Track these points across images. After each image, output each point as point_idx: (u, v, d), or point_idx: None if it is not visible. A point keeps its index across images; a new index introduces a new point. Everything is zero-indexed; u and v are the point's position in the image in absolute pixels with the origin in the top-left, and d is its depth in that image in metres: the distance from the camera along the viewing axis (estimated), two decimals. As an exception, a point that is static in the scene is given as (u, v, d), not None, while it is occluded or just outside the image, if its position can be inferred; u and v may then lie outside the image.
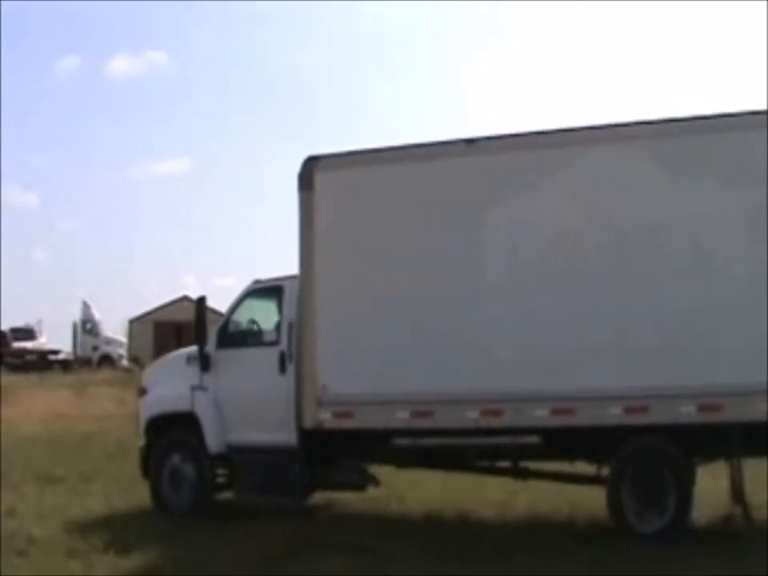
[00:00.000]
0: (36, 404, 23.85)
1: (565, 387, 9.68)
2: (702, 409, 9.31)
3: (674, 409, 9.38)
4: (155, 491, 11.38)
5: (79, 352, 43.07)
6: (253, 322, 11.44)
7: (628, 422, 9.52)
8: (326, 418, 10.49)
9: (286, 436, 10.72)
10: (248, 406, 11.03)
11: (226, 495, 11.51)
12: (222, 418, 11.14)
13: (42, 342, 42.51)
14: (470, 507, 10.82)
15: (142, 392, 11.94)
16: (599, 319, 9.65)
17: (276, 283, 11.19)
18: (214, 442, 11.10)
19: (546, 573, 8.29)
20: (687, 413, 9.35)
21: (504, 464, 10.67)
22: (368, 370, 10.38)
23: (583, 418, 9.63)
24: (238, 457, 11.07)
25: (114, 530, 9.96)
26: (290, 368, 10.79)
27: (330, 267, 10.58)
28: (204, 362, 11.25)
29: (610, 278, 9.68)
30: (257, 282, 11.45)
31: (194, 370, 11.31)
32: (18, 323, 43.73)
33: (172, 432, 11.42)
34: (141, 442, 11.68)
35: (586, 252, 9.81)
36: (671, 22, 68.87)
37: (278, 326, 11.08)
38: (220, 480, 11.40)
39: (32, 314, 46.94)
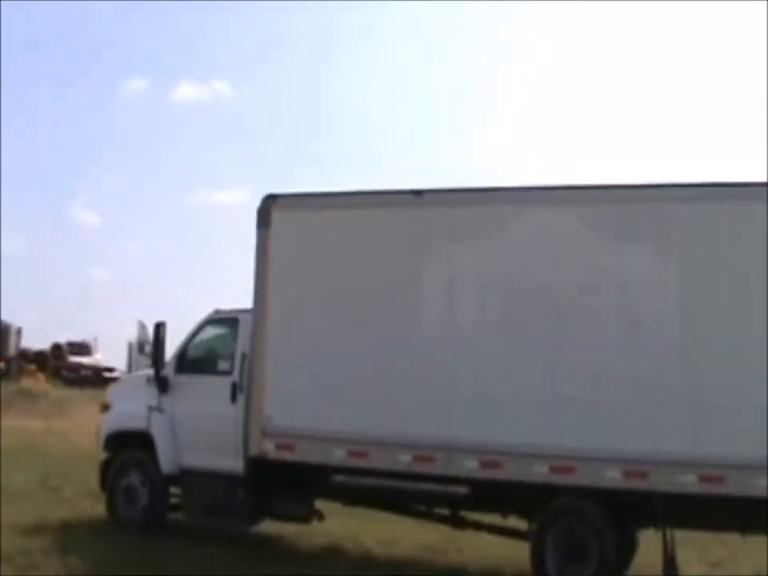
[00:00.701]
0: (89, 419, 24.25)
1: (494, 440, 9.79)
2: (627, 475, 9.35)
3: (600, 472, 9.43)
4: (110, 505, 11.78)
5: (133, 372, 43.60)
6: (211, 350, 11.74)
7: (553, 481, 9.61)
8: (270, 448, 10.76)
9: (233, 463, 10.99)
10: (200, 431, 11.37)
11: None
12: (176, 440, 11.49)
13: (98, 358, 42.85)
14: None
15: (105, 408, 12.34)
16: (530, 375, 9.76)
17: (233, 315, 11.48)
18: (166, 462, 11.45)
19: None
20: (612, 477, 9.40)
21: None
22: (310, 406, 10.63)
23: (510, 472, 9.74)
24: (188, 479, 11.42)
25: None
26: (241, 398, 11.07)
27: (281, 303, 10.81)
28: (161, 385, 11.60)
29: (542, 336, 9.77)
30: (217, 311, 11.77)
31: (153, 391, 11.68)
32: (75, 339, 44.57)
33: (129, 450, 11.80)
34: (100, 456, 12.09)
35: (520, 307, 9.91)
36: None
37: (231, 357, 11.38)
38: (174, 501, 11.74)
39: (88, 330, 47.74)
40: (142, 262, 69.13)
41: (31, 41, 64.89)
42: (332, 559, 10.46)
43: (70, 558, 9.96)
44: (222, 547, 10.60)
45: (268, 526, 11.74)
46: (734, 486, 8.95)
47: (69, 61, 70.66)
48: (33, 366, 40.14)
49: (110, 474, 11.84)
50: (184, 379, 11.62)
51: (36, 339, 46.62)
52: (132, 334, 43.69)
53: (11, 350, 45.24)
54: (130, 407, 11.87)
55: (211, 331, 11.79)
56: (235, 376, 11.18)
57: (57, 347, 43.45)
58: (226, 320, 11.62)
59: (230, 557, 10.19)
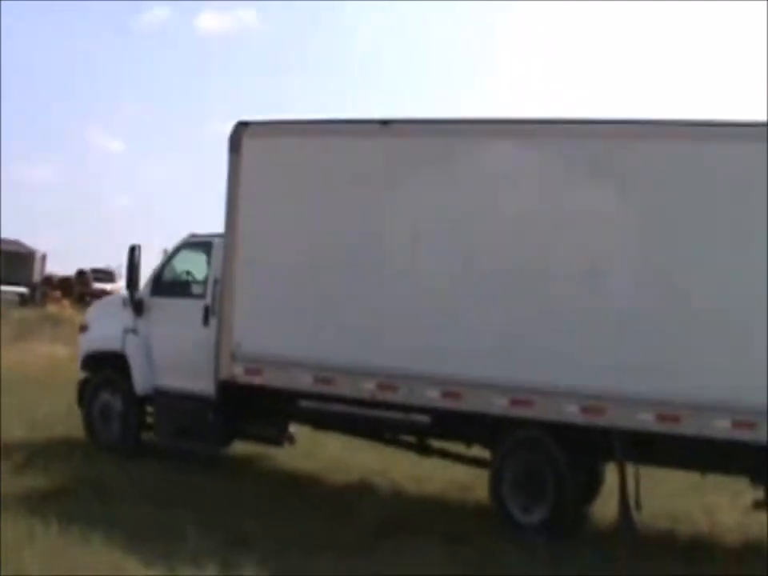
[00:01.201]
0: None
1: (455, 371, 9.82)
2: (585, 411, 9.35)
3: (558, 407, 9.43)
4: (87, 424, 11.99)
5: None
6: (185, 273, 11.79)
7: (512, 414, 9.64)
8: (239, 372, 10.86)
9: (205, 385, 11.12)
10: (174, 353, 11.50)
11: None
12: (150, 361, 11.63)
13: (121, 285, 43.33)
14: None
15: (83, 328, 12.49)
16: (492, 309, 9.70)
17: (207, 239, 11.50)
18: (140, 383, 11.61)
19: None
20: (570, 412, 9.40)
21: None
22: (277, 332, 10.70)
23: (470, 403, 9.78)
24: (161, 400, 11.58)
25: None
26: (213, 321, 11.14)
27: (251, 229, 10.82)
28: (137, 307, 11.70)
29: (503, 270, 9.70)
30: (192, 235, 11.80)
31: (129, 313, 11.79)
32: (99, 265, 44.84)
33: (105, 370, 11.96)
34: (79, 375, 12.27)
35: (481, 242, 9.83)
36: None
37: (204, 281, 11.44)
38: (149, 421, 11.92)
39: (112, 257, 48.01)
40: (165, 189, 69.28)
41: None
42: (363, 494, 10.30)
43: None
44: (256, 479, 10.77)
45: (299, 463, 11.83)
46: (691, 427, 8.92)
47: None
48: (58, 292, 40.60)
49: (86, 394, 12.04)
50: (159, 302, 11.72)
51: (61, 266, 47.19)
52: (156, 262, 44.39)
53: (36, 276, 45.90)
54: (106, 329, 12.01)
55: (186, 254, 11.83)
56: (208, 300, 11.25)
57: (81, 273, 43.97)
58: (200, 244, 11.65)
59: (260, 491, 10.13)
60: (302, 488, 10.68)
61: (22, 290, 41.90)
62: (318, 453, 12.15)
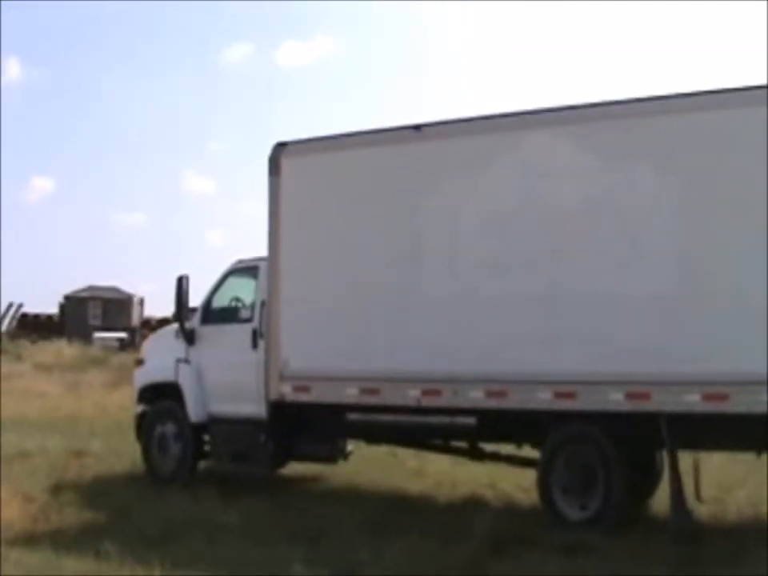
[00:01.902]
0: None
1: (498, 370, 9.82)
2: (629, 397, 9.25)
3: (602, 396, 9.35)
4: (146, 456, 12.18)
5: None
6: (236, 299, 12.04)
7: (557, 407, 9.57)
8: (287, 391, 11.01)
9: (256, 408, 11.28)
10: (225, 379, 11.70)
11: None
12: (203, 389, 11.84)
13: None
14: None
15: (139, 362, 12.79)
16: (531, 303, 9.72)
17: (253, 263, 11.77)
18: (195, 411, 11.80)
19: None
20: (615, 400, 9.31)
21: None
22: (323, 348, 10.85)
23: (514, 400, 9.75)
24: (215, 427, 11.74)
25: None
26: (261, 344, 11.34)
27: (294, 249, 11.07)
28: (188, 337, 11.96)
29: (543, 264, 9.72)
30: (239, 261, 12.08)
31: (181, 344, 12.05)
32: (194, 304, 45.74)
33: (161, 401, 12.20)
34: (136, 409, 12.52)
35: (522, 237, 9.86)
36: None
37: (252, 305, 11.67)
38: (207, 449, 12.06)
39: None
40: (256, 224, 70.58)
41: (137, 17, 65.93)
42: (475, 510, 9.92)
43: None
44: (359, 502, 10.59)
45: (396, 481, 11.89)
46: (740, 404, 8.75)
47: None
48: (156, 335, 41.22)
49: (144, 426, 12.27)
50: (209, 330, 11.97)
51: (158, 309, 47.91)
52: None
53: (135, 320, 46.87)
54: (160, 360, 12.28)
55: (234, 281, 12.08)
56: (255, 323, 11.46)
57: None
58: (247, 269, 11.90)
59: (368, 515, 9.74)
60: (411, 508, 10.43)
61: (122, 335, 42.74)
62: (427, 470, 12.25)
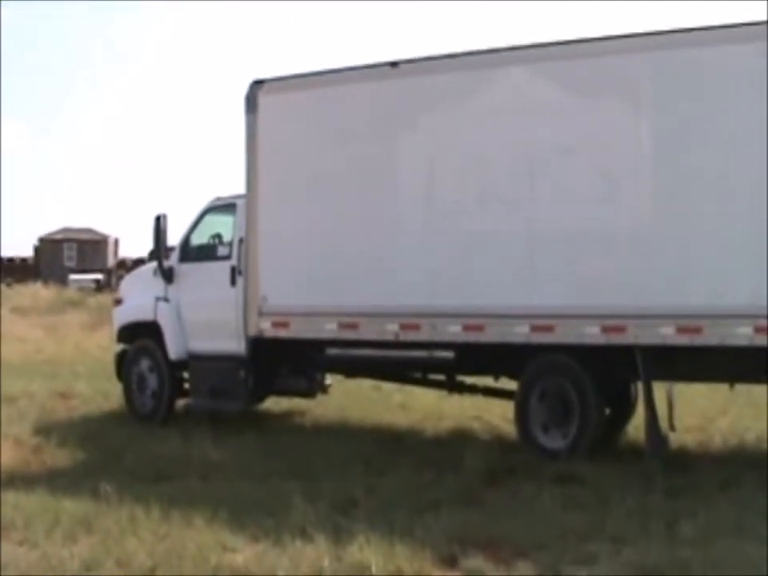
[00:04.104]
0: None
1: (475, 304, 9.91)
2: (605, 330, 9.38)
3: (579, 329, 9.48)
4: (126, 394, 12.26)
5: None
6: (211, 236, 12.03)
7: (534, 341, 9.70)
8: (266, 327, 11.08)
9: (236, 345, 11.34)
10: (204, 316, 11.74)
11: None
12: (182, 327, 11.87)
13: None
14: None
15: (118, 302, 12.80)
16: (507, 239, 9.81)
17: (231, 201, 11.74)
18: (174, 349, 11.84)
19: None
20: (591, 333, 9.44)
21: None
22: (301, 284, 10.93)
23: (492, 334, 9.87)
24: (194, 364, 11.80)
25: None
26: (240, 281, 11.37)
27: (271, 187, 11.06)
28: (167, 275, 11.96)
29: (520, 200, 9.78)
30: (217, 198, 12.04)
31: (159, 283, 12.05)
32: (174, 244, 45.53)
33: (140, 340, 12.24)
34: (115, 348, 12.56)
35: (498, 174, 9.91)
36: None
37: (230, 242, 11.67)
38: (186, 386, 12.14)
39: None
40: None
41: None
42: (465, 443, 10.03)
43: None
44: (349, 436, 10.67)
45: (382, 415, 12.00)
46: (713, 336, 8.91)
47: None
48: (131, 275, 41.13)
49: (123, 365, 12.32)
50: (187, 267, 11.98)
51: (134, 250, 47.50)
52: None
53: (110, 261, 46.75)
54: (139, 299, 12.29)
55: (212, 218, 12.05)
56: (234, 260, 11.47)
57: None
58: (225, 206, 11.86)
59: (361, 449, 9.82)
60: (400, 442, 10.53)
61: (98, 276, 42.64)
62: (413, 403, 12.41)
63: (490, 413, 11.49)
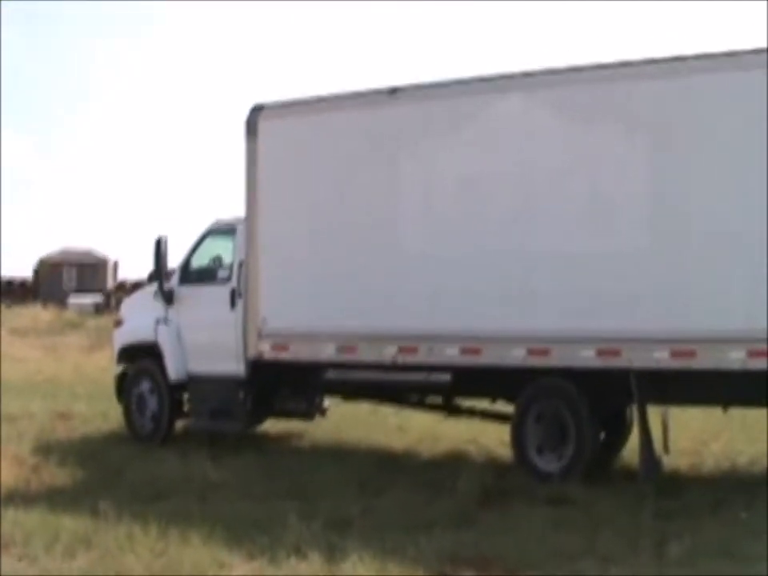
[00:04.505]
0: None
1: (473, 327, 10.02)
2: (600, 353, 9.49)
3: (574, 352, 9.58)
4: (126, 415, 12.34)
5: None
6: (211, 259, 12.16)
7: (530, 364, 9.80)
8: (266, 349, 11.20)
9: (235, 366, 11.45)
10: (204, 338, 11.85)
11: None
12: (182, 349, 11.98)
13: None
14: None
15: (118, 323, 12.91)
16: (504, 263, 9.92)
17: (231, 224, 11.87)
18: (174, 370, 11.94)
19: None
20: (586, 357, 9.54)
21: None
22: (300, 307, 11.04)
23: (489, 357, 9.96)
24: (194, 385, 11.91)
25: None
26: (240, 304, 11.49)
27: (271, 210, 11.21)
28: (167, 297, 12.09)
29: (516, 223, 9.90)
30: (217, 221, 12.18)
31: (159, 304, 12.17)
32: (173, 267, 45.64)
33: (140, 361, 12.33)
34: (116, 369, 12.66)
35: (496, 200, 10.04)
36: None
37: (230, 265, 11.80)
38: (186, 408, 12.23)
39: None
40: None
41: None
42: (459, 465, 10.16)
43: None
44: (345, 458, 10.76)
45: (379, 437, 12.09)
46: (707, 360, 9.00)
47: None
48: (131, 298, 41.07)
49: (124, 386, 12.41)
50: (187, 290, 12.10)
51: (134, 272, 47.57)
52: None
53: (109, 283, 46.76)
54: (139, 321, 12.39)
55: (212, 241, 12.18)
56: (233, 283, 11.60)
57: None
58: (224, 229, 11.99)
59: (357, 471, 9.92)
60: (396, 463, 10.64)
61: (97, 299, 42.71)
62: (409, 426, 12.50)
63: (485, 436, 11.55)
